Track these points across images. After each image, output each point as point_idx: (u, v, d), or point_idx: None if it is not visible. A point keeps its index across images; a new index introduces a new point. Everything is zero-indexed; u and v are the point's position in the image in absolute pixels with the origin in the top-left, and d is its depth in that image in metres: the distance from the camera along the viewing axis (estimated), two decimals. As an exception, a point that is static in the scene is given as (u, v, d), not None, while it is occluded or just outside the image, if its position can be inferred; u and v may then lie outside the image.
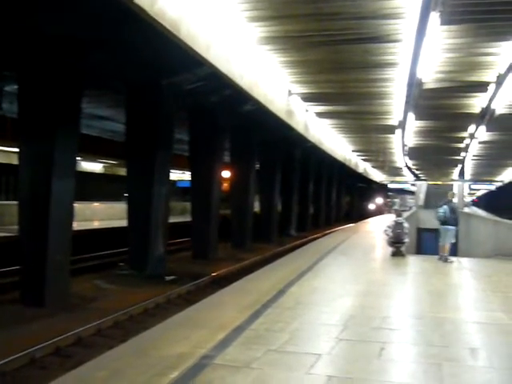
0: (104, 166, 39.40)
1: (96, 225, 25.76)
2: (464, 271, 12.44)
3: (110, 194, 38.26)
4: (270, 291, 8.46)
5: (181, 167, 34.45)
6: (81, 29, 11.84)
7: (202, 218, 21.47)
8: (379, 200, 64.37)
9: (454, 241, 13.87)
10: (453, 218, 13.23)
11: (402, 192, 57.51)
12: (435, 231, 15.30)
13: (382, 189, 57.56)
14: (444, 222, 13.28)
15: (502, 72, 14.43)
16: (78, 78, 13.25)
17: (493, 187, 44.88)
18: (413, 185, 46.13)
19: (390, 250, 14.00)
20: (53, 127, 12.59)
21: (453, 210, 13.20)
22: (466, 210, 36.74)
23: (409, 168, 42.96)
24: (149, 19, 8.69)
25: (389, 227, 13.86)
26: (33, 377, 7.86)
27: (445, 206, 13.24)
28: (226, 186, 29.84)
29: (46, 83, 12.47)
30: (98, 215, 29.26)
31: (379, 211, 56.79)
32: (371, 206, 64.93)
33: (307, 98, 19.68)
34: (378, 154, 38.82)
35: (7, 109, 19.59)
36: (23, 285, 12.72)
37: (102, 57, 13.82)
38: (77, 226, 16.83)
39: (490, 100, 17.57)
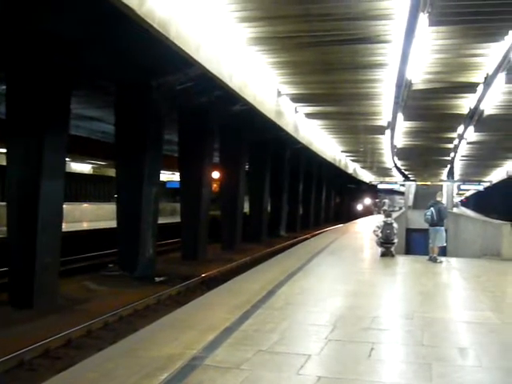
0: (93, 167, 39.23)
1: (85, 226, 25.67)
2: (453, 271, 12.50)
3: (99, 194, 38.15)
4: (260, 292, 8.46)
5: (171, 168, 34.37)
6: (69, 28, 11.80)
7: (192, 219, 21.45)
8: (368, 200, 64.51)
9: (444, 244, 13.92)
10: (440, 219, 13.29)
11: (390, 192, 57.65)
12: (424, 231, 15.36)
13: (371, 189, 57.68)
14: (432, 224, 13.35)
15: (491, 73, 14.52)
16: (67, 77, 13.20)
17: (481, 187, 45.07)
18: (402, 185, 46.25)
19: (379, 250, 14.03)
20: (41, 127, 12.52)
21: (440, 211, 13.25)
22: (455, 210, 36.93)
23: (398, 168, 43.09)
24: (137, 19, 8.66)
25: (378, 227, 13.89)
26: (22, 379, 7.82)
27: (431, 208, 13.30)
28: (215, 186, 29.84)
29: (35, 83, 12.41)
30: (88, 216, 29.15)
31: (369, 212, 56.92)
32: (361, 207, 65.08)
33: (297, 98, 19.70)
34: (366, 155, 38.98)
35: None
36: (12, 286, 12.63)
37: (91, 57, 13.76)
38: (66, 227, 16.75)
39: (479, 101, 17.67)
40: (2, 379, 7.82)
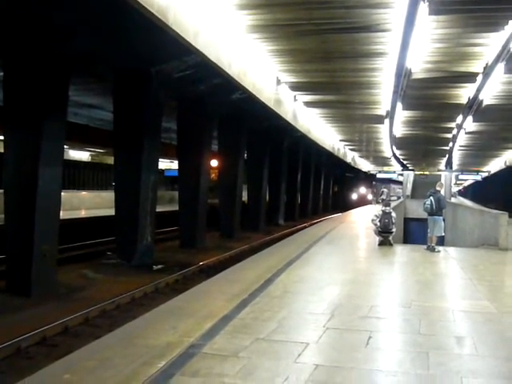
0: (91, 155, 39.14)
1: (83, 214, 25.64)
2: (451, 260, 12.52)
3: (97, 182, 38.08)
4: (258, 280, 8.47)
5: (169, 156, 34.32)
6: (67, 15, 11.72)
7: (190, 207, 21.43)
8: (367, 190, 64.45)
9: (443, 234, 13.95)
10: (439, 209, 13.30)
11: (388, 182, 57.60)
12: (422, 221, 15.35)
13: (369, 178, 57.66)
14: (431, 213, 13.36)
15: (490, 63, 14.48)
16: (65, 65, 13.11)
17: (479, 177, 45.08)
18: (400, 175, 46.27)
19: (377, 239, 14.04)
20: (39, 115, 12.45)
21: (439, 201, 13.26)
22: (453, 200, 36.97)
23: (396, 158, 43.09)
24: (136, 5, 8.60)
25: (376, 217, 13.89)
26: (19, 367, 7.81)
27: (431, 197, 13.31)
28: (214, 175, 29.80)
29: (32, 70, 12.32)
30: (86, 204, 29.11)
31: (367, 201, 56.91)
32: (359, 196, 64.99)
33: (296, 87, 19.64)
34: (365, 144, 38.95)
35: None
36: (9, 274, 12.62)
37: (89, 43, 13.69)
38: (63, 214, 16.73)
39: (478, 90, 17.64)
40: None
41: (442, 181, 29.04)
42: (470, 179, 54.99)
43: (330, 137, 33.89)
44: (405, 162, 46.97)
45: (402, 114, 23.23)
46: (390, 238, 13.93)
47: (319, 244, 14.48)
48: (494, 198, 53.18)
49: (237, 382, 4.23)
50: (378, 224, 13.84)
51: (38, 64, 12.28)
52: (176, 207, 23.65)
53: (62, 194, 14.20)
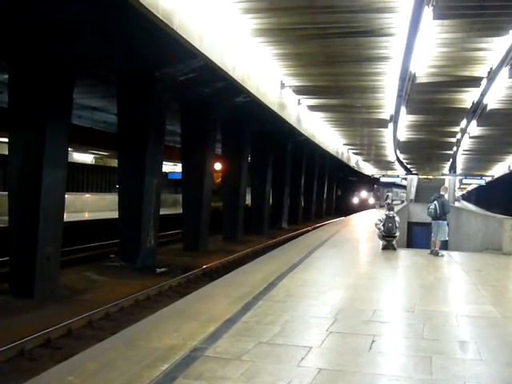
0: (95, 157, 39.20)
1: (87, 216, 25.68)
2: (454, 265, 12.48)
3: (101, 185, 38.17)
4: (261, 284, 8.46)
5: (173, 159, 34.37)
6: (72, 16, 11.74)
7: (194, 210, 21.44)
8: (370, 194, 64.32)
9: (447, 238, 13.91)
10: (443, 213, 13.28)
11: (392, 186, 57.50)
12: (426, 225, 15.32)
13: (373, 182, 57.59)
14: (435, 218, 13.33)
15: (494, 67, 14.48)
16: (70, 67, 13.16)
17: (483, 182, 45.02)
18: (404, 179, 46.21)
19: (380, 243, 14.02)
20: (43, 117, 12.49)
21: (443, 205, 13.23)
22: (457, 204, 36.89)
23: (400, 162, 43.04)
24: (141, 9, 8.63)
25: (380, 221, 13.87)
26: (22, 369, 7.82)
27: (435, 202, 13.28)
28: (217, 178, 29.83)
29: (37, 72, 12.36)
30: (89, 206, 29.16)
31: (371, 205, 56.82)
32: (362, 200, 64.83)
33: (300, 90, 19.67)
34: (368, 148, 38.95)
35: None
36: (13, 276, 12.64)
37: (94, 46, 13.72)
38: (67, 217, 16.75)
39: (482, 95, 17.64)
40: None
41: (446, 185, 29.03)
42: (473, 183, 54.90)
43: (334, 141, 33.89)
44: (408, 166, 46.93)
45: (406, 118, 23.24)
46: (394, 242, 13.89)
47: (322, 248, 14.46)
48: (497, 203, 53.12)
49: (240, 386, 4.23)
50: (382, 228, 13.81)
51: (42, 66, 12.33)
52: (179, 210, 23.67)
53: (66, 196, 14.22)
